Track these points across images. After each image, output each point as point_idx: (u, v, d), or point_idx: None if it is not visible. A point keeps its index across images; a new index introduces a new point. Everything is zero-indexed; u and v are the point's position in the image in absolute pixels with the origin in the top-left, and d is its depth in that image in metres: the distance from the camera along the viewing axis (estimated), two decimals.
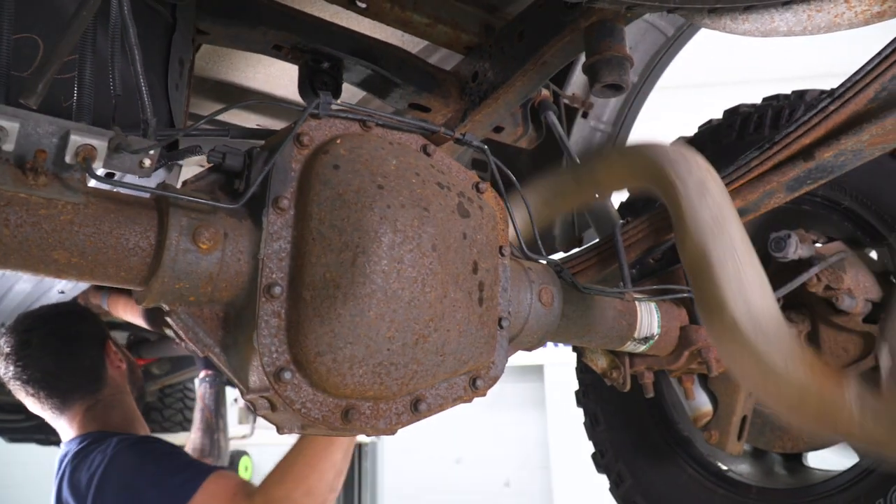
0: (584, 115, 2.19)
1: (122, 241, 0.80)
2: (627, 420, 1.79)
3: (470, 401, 1.01)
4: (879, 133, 1.18)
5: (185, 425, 4.70)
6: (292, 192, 0.89)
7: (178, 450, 1.96)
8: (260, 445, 5.30)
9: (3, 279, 1.83)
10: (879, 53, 1.18)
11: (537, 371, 7.92)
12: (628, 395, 1.76)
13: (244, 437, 3.22)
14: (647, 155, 1.14)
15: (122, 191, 0.84)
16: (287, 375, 0.84)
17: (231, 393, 3.16)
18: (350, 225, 0.87)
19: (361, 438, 4.72)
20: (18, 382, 1.90)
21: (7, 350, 1.90)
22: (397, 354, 0.89)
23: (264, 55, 1.60)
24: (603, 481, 2.05)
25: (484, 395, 1.02)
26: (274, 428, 0.95)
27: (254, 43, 1.52)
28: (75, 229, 0.78)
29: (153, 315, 1.96)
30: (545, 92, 1.96)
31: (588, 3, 1.11)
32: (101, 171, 0.84)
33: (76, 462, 1.80)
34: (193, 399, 4.80)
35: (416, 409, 0.94)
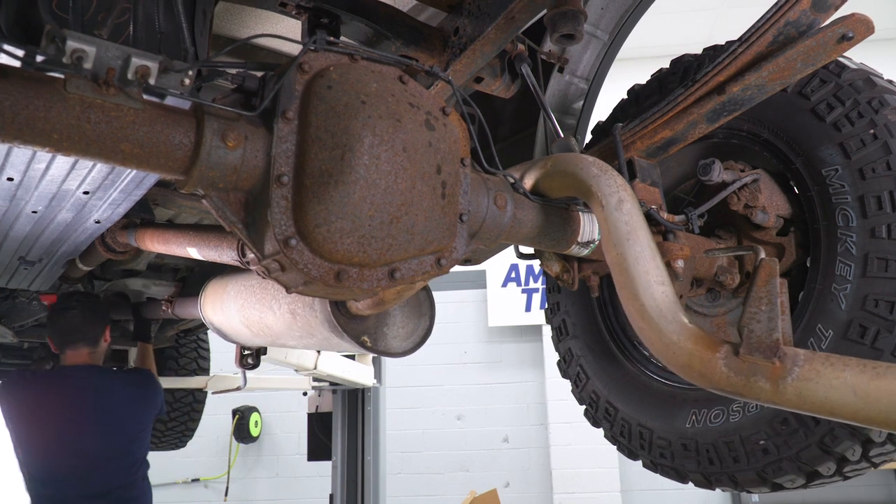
0: (560, 70, 2.43)
1: (171, 138, 1.07)
2: (585, 328, 2.06)
3: (436, 276, 1.29)
4: (775, 70, 1.43)
5: (198, 371, 5.03)
6: (296, 107, 1.15)
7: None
8: (266, 394, 5.59)
9: (47, 209, 2.11)
10: (777, 3, 1.43)
11: (536, 331, 8.17)
12: (585, 308, 2.04)
13: (238, 388, 3.63)
14: (578, 174, 1.40)
15: (169, 102, 1.11)
16: (293, 242, 1.11)
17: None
18: (340, 130, 1.14)
19: (364, 382, 5.03)
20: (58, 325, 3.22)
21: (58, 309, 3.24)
22: (376, 229, 1.16)
23: (272, 12, 1.86)
24: (597, 438, 2.22)
25: (447, 272, 1.29)
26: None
27: (263, 0, 1.78)
28: (137, 127, 1.04)
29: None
30: (521, 47, 2.21)
31: None
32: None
33: (99, 378, 3.24)
34: (207, 347, 5.14)
35: (393, 277, 1.21)
